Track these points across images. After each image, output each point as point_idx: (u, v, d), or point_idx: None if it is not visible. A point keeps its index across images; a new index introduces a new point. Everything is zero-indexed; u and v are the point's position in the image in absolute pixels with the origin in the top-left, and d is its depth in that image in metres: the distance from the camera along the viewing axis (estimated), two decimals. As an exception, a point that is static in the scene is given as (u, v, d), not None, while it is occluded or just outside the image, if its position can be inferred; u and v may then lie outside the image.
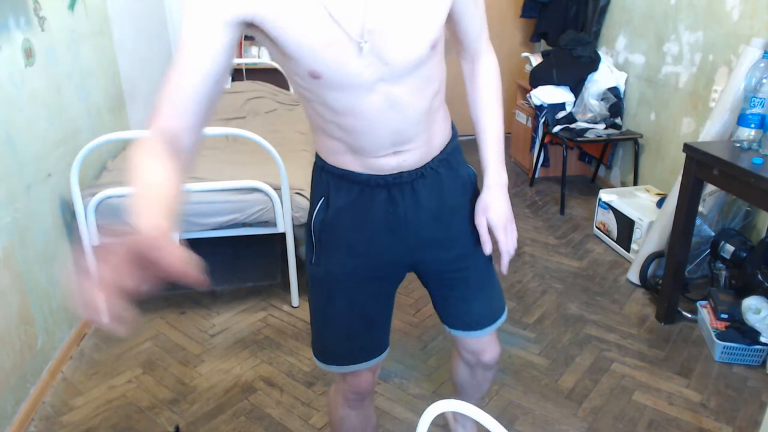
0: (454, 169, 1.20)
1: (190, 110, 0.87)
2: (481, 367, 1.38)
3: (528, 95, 3.80)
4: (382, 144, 1.06)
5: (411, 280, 2.79)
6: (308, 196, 2.14)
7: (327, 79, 0.95)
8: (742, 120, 2.15)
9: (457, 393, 1.54)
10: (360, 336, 1.25)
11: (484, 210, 1.19)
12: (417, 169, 1.13)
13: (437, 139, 1.15)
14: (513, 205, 3.71)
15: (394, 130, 1.05)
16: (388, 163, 1.09)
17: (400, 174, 1.11)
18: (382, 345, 1.29)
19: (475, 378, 1.44)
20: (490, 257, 1.26)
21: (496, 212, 1.18)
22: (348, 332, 1.24)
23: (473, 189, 1.26)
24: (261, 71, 4.21)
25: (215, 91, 0.90)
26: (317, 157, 1.18)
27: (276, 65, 4.02)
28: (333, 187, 1.15)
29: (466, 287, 1.25)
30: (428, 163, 1.14)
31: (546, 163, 4.01)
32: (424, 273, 1.27)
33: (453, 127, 1.23)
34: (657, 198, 2.94)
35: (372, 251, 1.18)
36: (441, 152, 1.16)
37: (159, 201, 0.72)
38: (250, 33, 0.92)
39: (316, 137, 1.14)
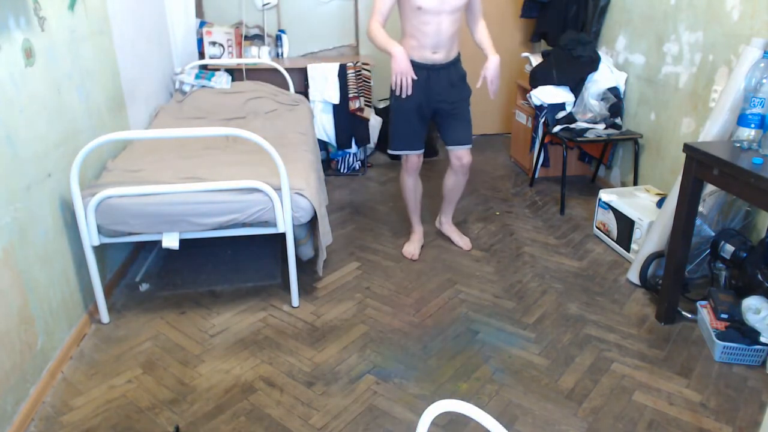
0: (457, 68, 2.73)
1: (384, 16, 2.55)
2: (461, 171, 2.89)
3: (528, 95, 3.79)
4: (432, 44, 2.58)
5: (411, 280, 2.80)
6: (308, 196, 2.42)
7: (424, 9, 2.50)
8: (742, 120, 2.15)
9: (445, 196, 3.04)
10: (410, 138, 2.79)
11: (486, 68, 2.60)
12: (442, 63, 2.65)
13: (453, 53, 2.67)
14: (513, 205, 3.73)
15: (439, 38, 2.57)
16: (431, 57, 2.62)
17: (434, 65, 2.64)
18: (420, 145, 2.82)
19: (457, 181, 2.94)
20: (468, 111, 2.79)
21: (490, 69, 2.60)
22: (405, 135, 2.78)
23: (464, 79, 2.75)
24: (261, 71, 4.20)
25: (390, 11, 2.56)
26: None
27: (275, 65, 4.04)
28: None
29: (455, 121, 2.77)
30: (446, 63, 2.66)
31: (546, 163, 4.01)
32: (437, 114, 2.78)
33: (458, 53, 2.72)
34: (657, 198, 2.94)
35: (417, 99, 2.66)
36: (453, 59, 2.69)
37: (390, 39, 2.49)
38: None
39: (407, 41, 2.62)
